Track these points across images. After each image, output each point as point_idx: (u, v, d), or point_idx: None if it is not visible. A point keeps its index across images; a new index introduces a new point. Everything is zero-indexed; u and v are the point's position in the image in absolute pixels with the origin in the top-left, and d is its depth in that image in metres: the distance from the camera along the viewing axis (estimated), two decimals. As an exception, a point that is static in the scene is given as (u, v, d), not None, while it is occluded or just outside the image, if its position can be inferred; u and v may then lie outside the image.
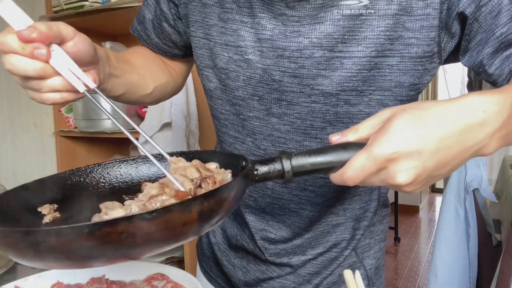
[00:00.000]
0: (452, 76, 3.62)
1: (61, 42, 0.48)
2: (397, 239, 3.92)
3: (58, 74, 0.48)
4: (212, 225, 0.41)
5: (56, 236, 0.33)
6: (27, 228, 0.34)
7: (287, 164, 0.45)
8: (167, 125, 1.69)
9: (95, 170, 0.54)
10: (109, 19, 1.82)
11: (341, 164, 0.45)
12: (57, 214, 0.48)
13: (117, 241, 0.34)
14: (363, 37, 0.57)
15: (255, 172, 0.46)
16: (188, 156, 0.53)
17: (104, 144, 2.24)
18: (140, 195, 0.49)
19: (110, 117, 0.51)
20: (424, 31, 0.56)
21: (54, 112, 2.09)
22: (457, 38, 0.59)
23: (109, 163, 0.54)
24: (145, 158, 0.55)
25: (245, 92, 0.65)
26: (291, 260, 0.75)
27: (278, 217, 0.72)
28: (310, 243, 0.74)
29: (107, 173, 0.54)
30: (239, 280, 0.81)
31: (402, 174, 0.42)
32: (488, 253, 1.70)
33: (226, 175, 0.49)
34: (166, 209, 0.36)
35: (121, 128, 0.50)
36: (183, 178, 0.46)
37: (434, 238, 1.68)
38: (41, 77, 0.47)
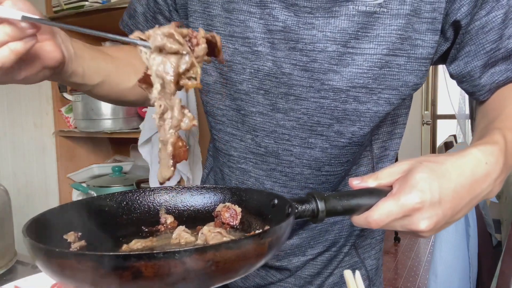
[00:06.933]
0: (452, 76, 3.61)
1: None
2: (397, 239, 3.92)
3: None
4: (268, 259, 0.43)
5: (148, 261, 0.33)
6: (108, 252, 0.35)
7: (321, 205, 0.48)
8: (167, 125, 1.68)
9: (114, 199, 0.53)
10: (109, 19, 1.82)
11: (367, 207, 0.48)
12: (83, 242, 0.47)
13: (201, 268, 0.35)
14: (375, 34, 0.57)
15: (296, 210, 0.47)
16: (223, 191, 0.56)
17: (104, 144, 2.24)
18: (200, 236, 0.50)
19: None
20: (429, 33, 0.58)
21: (54, 112, 2.09)
22: (449, 43, 0.62)
23: (128, 193, 0.55)
24: (163, 189, 0.56)
25: (250, 86, 0.63)
26: (291, 262, 0.74)
27: None
28: (309, 243, 0.73)
29: (126, 203, 0.54)
30: (238, 287, 0.79)
31: (425, 222, 0.46)
32: (488, 253, 1.70)
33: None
34: (248, 240, 0.38)
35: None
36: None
37: (434, 238, 1.68)
38: None
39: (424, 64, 0.59)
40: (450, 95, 3.71)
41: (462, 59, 0.62)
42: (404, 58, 0.58)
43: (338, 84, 0.59)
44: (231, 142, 0.69)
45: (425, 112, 4.95)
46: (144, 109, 1.80)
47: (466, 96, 3.52)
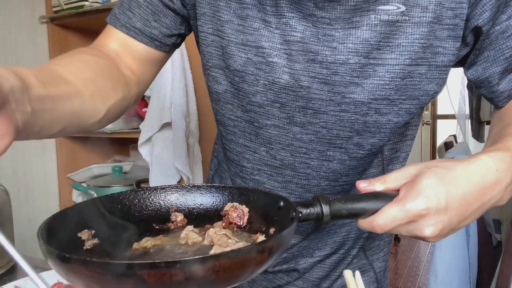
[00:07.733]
0: (452, 76, 3.62)
1: None
2: (397, 239, 3.92)
3: None
4: (270, 265, 0.43)
5: (150, 270, 0.35)
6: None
7: (326, 209, 0.48)
8: (167, 125, 1.69)
9: (127, 197, 0.55)
10: (109, 19, 1.82)
11: (372, 212, 0.48)
12: (96, 241, 0.49)
13: (202, 276, 0.36)
14: (396, 44, 0.55)
15: (299, 215, 0.47)
16: (231, 190, 0.56)
17: (104, 144, 2.24)
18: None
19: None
20: (450, 40, 0.56)
21: (54, 112, 2.09)
22: (469, 48, 0.60)
23: (140, 191, 0.56)
24: (173, 188, 0.57)
25: (264, 98, 0.60)
26: (298, 263, 0.72)
27: None
28: (317, 244, 0.72)
29: (137, 200, 0.56)
30: None
31: (430, 228, 0.46)
32: (488, 253, 1.70)
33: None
34: (248, 249, 0.39)
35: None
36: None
37: (434, 238, 1.68)
38: None
39: (445, 71, 0.58)
40: (450, 95, 3.71)
41: (480, 64, 0.60)
42: (425, 66, 0.57)
43: (359, 97, 0.57)
44: (243, 153, 0.67)
45: (425, 112, 4.95)
46: (144, 109, 1.80)
47: (466, 96, 3.51)
